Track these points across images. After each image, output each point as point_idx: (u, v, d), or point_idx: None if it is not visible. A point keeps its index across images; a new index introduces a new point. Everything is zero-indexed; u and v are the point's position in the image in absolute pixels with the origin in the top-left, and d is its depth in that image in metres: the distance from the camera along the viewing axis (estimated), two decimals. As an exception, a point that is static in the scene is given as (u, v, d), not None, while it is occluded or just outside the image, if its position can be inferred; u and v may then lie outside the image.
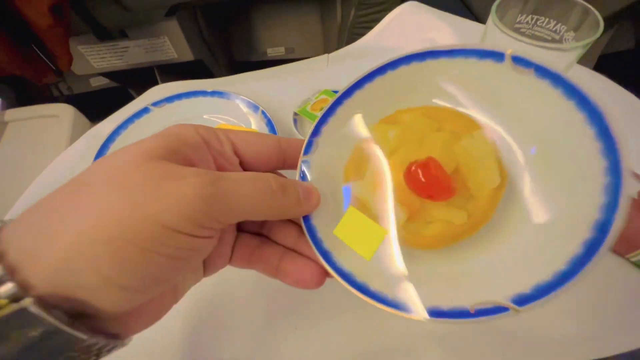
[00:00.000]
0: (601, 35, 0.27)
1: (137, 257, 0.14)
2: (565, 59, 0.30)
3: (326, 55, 0.46)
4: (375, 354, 0.27)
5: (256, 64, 1.05)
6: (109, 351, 0.15)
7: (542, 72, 0.18)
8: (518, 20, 0.33)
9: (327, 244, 0.20)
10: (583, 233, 0.16)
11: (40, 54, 0.54)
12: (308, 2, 0.90)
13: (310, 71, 0.44)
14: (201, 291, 0.30)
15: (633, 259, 0.27)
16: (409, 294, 0.18)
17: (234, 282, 0.30)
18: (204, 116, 0.40)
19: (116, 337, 0.16)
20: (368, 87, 0.22)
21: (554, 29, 0.32)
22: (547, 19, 0.32)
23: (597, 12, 0.28)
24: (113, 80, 0.93)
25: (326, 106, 0.23)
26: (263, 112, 0.37)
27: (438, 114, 0.22)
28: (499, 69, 0.19)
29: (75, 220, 0.14)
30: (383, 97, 0.23)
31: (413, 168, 0.19)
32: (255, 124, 0.38)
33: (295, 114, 0.37)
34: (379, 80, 0.22)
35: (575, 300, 0.27)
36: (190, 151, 0.17)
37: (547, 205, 0.18)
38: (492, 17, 0.30)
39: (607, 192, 0.15)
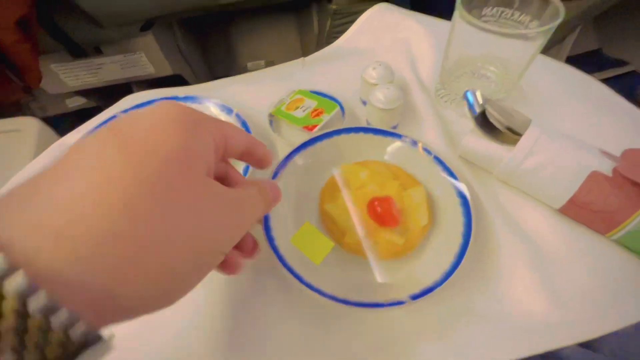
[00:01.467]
0: (566, 37, 0.27)
1: (194, 282, 0.16)
2: (529, 48, 0.31)
3: (302, 58, 0.46)
4: (381, 350, 0.26)
5: (236, 78, 1.05)
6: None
7: (438, 160, 0.31)
8: (483, 13, 0.34)
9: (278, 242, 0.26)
10: (450, 258, 0.26)
11: (7, 71, 0.53)
12: (285, 15, 0.91)
13: (286, 74, 0.44)
14: (204, 294, 0.28)
15: (613, 238, 0.27)
16: (340, 292, 0.25)
17: (239, 280, 0.28)
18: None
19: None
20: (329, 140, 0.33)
21: (518, 19, 0.33)
22: (511, 11, 0.33)
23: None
24: (89, 98, 0.91)
25: (293, 148, 0.31)
26: (237, 115, 0.36)
27: (394, 169, 0.32)
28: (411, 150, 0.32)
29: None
30: (339, 148, 0.33)
31: (376, 202, 0.28)
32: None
33: (271, 114, 0.37)
34: (338, 138, 0.33)
35: (557, 283, 0.27)
36: (210, 161, 0.17)
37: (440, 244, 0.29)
38: (458, 10, 0.31)
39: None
